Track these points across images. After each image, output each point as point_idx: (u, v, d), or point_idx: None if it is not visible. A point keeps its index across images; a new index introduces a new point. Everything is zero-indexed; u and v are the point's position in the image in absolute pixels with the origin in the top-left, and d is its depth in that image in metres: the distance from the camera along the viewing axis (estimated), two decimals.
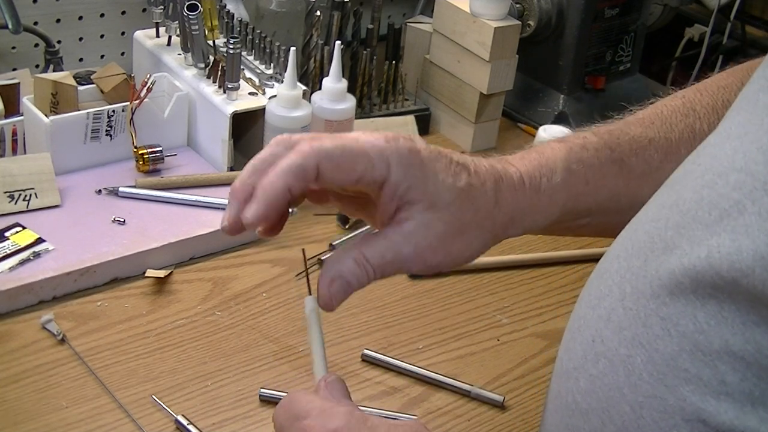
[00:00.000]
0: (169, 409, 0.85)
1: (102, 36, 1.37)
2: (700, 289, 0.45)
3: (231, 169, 1.17)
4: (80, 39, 1.35)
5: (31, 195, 1.06)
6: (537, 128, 1.28)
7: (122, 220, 1.06)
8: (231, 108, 1.13)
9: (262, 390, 0.88)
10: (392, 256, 0.59)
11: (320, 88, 1.17)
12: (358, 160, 0.57)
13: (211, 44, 1.19)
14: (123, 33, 1.38)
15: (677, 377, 0.46)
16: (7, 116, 1.12)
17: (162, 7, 1.21)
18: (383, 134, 0.59)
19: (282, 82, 1.13)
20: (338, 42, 1.16)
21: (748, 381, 0.44)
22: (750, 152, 0.45)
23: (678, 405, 0.46)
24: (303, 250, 0.72)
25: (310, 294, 0.64)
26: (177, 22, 1.20)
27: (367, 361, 0.95)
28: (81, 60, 1.36)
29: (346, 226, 1.13)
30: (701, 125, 0.70)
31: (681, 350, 0.46)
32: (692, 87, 0.74)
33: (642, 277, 0.49)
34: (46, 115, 1.09)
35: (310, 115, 1.14)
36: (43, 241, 1.01)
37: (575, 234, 0.66)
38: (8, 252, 0.98)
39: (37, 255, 0.99)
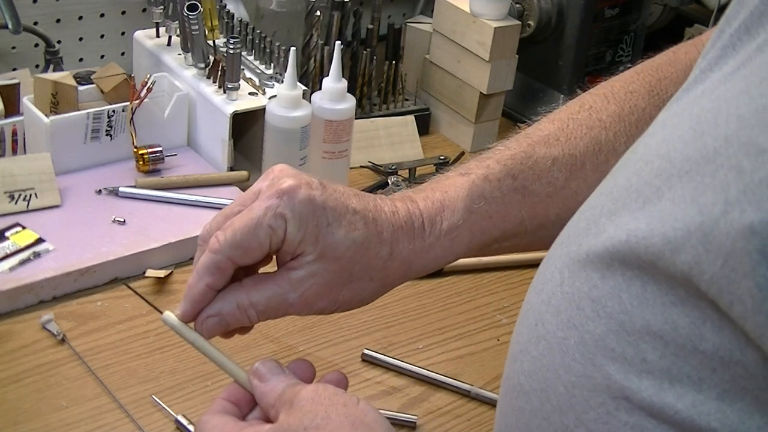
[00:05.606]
0: (169, 409, 0.85)
1: (102, 36, 1.37)
2: (629, 271, 0.47)
3: (231, 169, 1.17)
4: (80, 39, 1.35)
5: (31, 195, 1.06)
6: None
7: (122, 220, 1.06)
8: (231, 108, 1.13)
9: None
10: (277, 302, 0.64)
11: (320, 88, 1.17)
12: (259, 235, 0.62)
13: (211, 44, 1.19)
14: (123, 33, 1.38)
15: (605, 357, 0.48)
16: (7, 116, 1.12)
17: (162, 7, 1.21)
18: (277, 188, 0.63)
19: (282, 82, 1.13)
20: (338, 42, 1.16)
21: (667, 359, 0.46)
22: (672, 140, 0.47)
23: (605, 383, 0.48)
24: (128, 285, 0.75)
25: (161, 312, 0.66)
26: (177, 22, 1.20)
27: (367, 361, 0.95)
28: (81, 60, 1.36)
29: None
30: (607, 135, 0.72)
31: (608, 330, 0.48)
32: (600, 92, 0.75)
33: (577, 262, 0.51)
34: (46, 115, 1.09)
35: (310, 115, 1.14)
36: (43, 241, 1.01)
37: (489, 255, 0.69)
38: (8, 252, 0.98)
39: (37, 255, 0.99)
